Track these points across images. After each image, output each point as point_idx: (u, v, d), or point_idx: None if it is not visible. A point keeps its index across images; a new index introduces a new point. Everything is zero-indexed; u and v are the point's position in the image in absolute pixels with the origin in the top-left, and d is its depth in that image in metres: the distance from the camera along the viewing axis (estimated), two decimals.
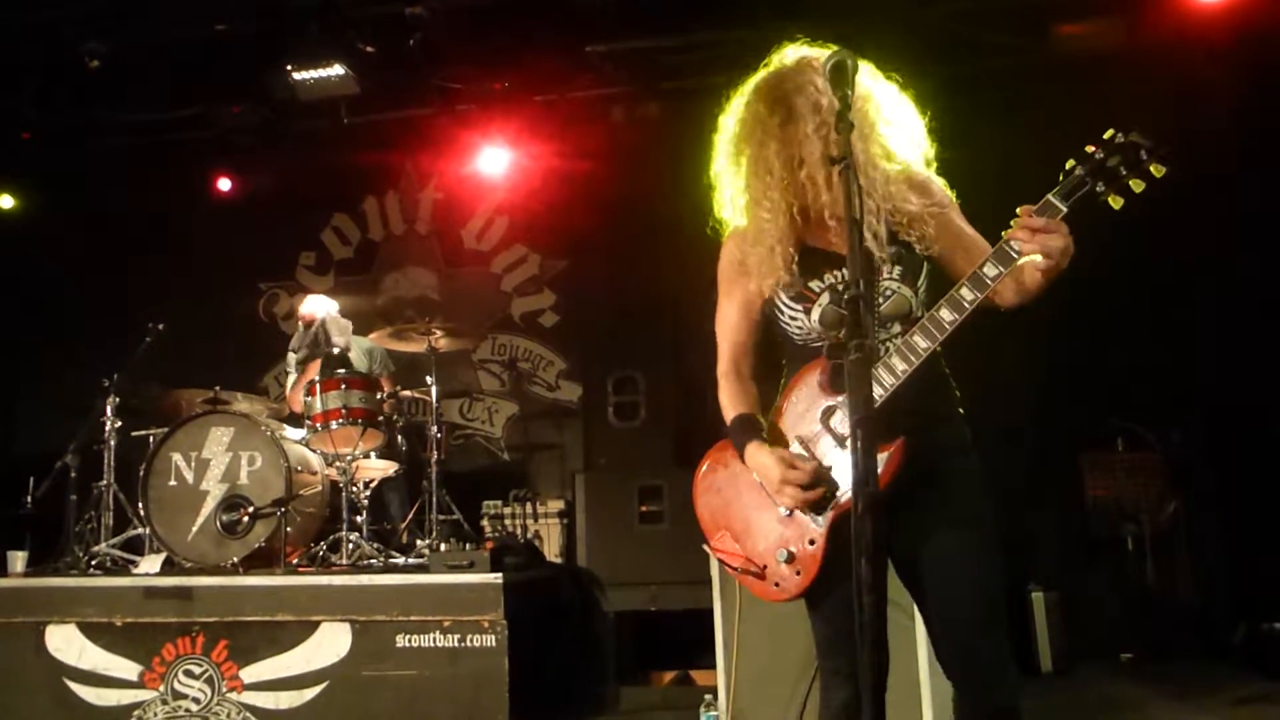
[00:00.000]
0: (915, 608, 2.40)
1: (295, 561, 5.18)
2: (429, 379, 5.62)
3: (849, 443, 2.04)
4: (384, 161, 7.93)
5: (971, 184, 2.46)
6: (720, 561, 2.37)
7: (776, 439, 2.27)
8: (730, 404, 2.34)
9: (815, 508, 2.19)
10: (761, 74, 2.36)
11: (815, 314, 2.27)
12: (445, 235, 7.90)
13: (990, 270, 2.07)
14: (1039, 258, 2.05)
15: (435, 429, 5.56)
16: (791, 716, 3.93)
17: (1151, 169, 2.01)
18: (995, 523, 2.21)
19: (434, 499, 5.46)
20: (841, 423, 2.19)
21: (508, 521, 6.55)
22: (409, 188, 8.02)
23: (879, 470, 1.99)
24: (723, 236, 2.44)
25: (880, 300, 2.22)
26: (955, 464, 2.24)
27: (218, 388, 5.64)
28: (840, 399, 2.19)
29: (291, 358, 5.95)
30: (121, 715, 4.70)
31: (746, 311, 2.37)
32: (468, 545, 5.23)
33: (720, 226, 2.45)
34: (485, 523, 6.51)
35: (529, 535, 6.42)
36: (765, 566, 2.25)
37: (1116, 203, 2.04)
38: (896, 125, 2.31)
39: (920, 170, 2.33)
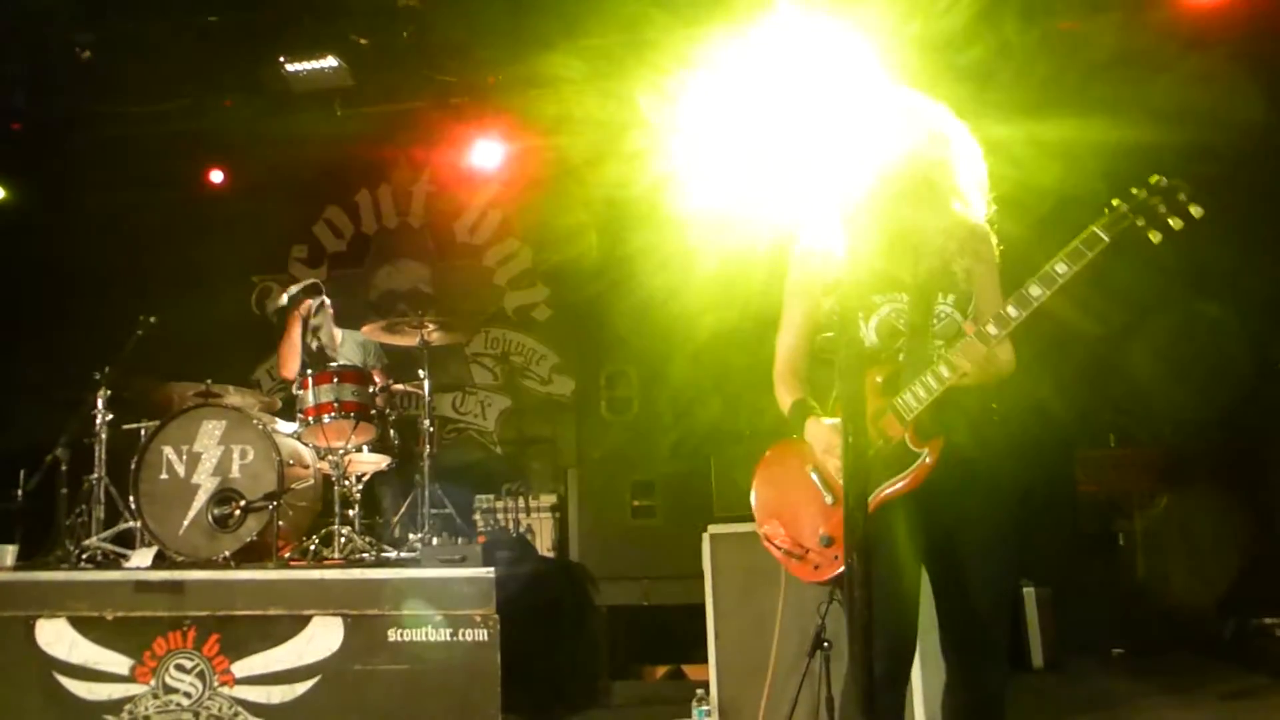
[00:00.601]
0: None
1: (287, 555, 5.17)
2: (421, 373, 5.61)
3: (901, 440, 2.41)
4: (377, 154, 7.89)
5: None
6: (767, 543, 2.64)
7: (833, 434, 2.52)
8: (787, 393, 2.64)
9: None
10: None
11: (873, 323, 2.54)
12: (438, 228, 7.89)
13: (1014, 311, 2.34)
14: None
15: (428, 423, 5.55)
16: (783, 712, 3.94)
17: (1191, 209, 2.27)
18: (1017, 524, 2.50)
19: (426, 493, 5.45)
20: (887, 424, 2.47)
21: (500, 516, 6.54)
22: (402, 180, 7.99)
23: (923, 461, 2.40)
24: (790, 252, 2.68)
25: (936, 322, 2.50)
26: (991, 464, 2.47)
27: (209, 381, 5.62)
28: (891, 401, 2.45)
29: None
30: (112, 710, 4.69)
31: (807, 320, 2.64)
32: (460, 539, 5.24)
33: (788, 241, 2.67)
34: (478, 517, 6.51)
35: (521, 529, 6.42)
36: (807, 550, 2.54)
37: (1156, 237, 2.30)
38: (969, 173, 2.55)
39: (981, 221, 2.57)
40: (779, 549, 2.59)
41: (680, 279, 5.75)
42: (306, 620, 4.65)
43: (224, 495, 5.20)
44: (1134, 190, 2.31)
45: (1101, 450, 6.38)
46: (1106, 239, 2.28)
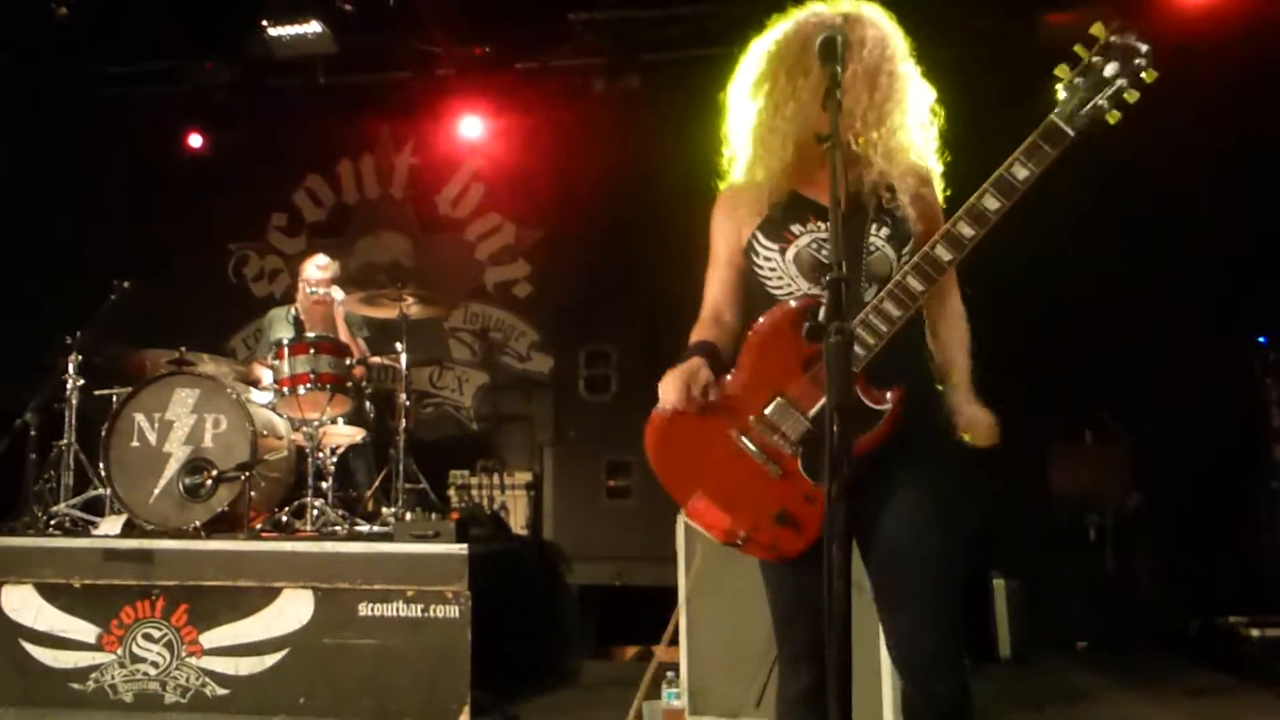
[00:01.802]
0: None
1: (259, 527, 5.13)
2: (399, 346, 5.56)
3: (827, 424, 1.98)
4: (360, 124, 7.80)
5: (950, 170, 2.42)
6: (699, 525, 2.20)
7: (757, 390, 2.15)
8: (695, 336, 2.27)
9: (811, 468, 2.10)
10: (808, 11, 2.26)
11: (790, 253, 2.20)
12: (420, 201, 7.80)
13: (967, 231, 2.02)
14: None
15: (404, 397, 5.51)
16: (752, 696, 3.94)
17: (1144, 76, 1.92)
18: (959, 508, 2.15)
19: (401, 467, 5.41)
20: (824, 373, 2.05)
21: (474, 492, 6.51)
22: (385, 151, 7.90)
23: (884, 419, 2.03)
24: (718, 193, 2.39)
25: (865, 257, 2.14)
26: (927, 440, 2.15)
27: (183, 348, 5.55)
28: (818, 350, 2.01)
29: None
30: (79, 677, 4.65)
31: (731, 260, 2.31)
32: (433, 515, 5.21)
33: (717, 187, 2.40)
34: (452, 493, 6.48)
35: (495, 507, 6.40)
36: (757, 529, 2.12)
37: (1114, 118, 1.94)
38: (914, 108, 2.24)
39: (925, 162, 2.27)
40: (720, 530, 2.15)
41: (663, 259, 5.72)
42: (276, 592, 4.63)
43: (196, 464, 5.14)
44: (1079, 51, 1.95)
45: (1076, 445, 6.42)
46: (1071, 133, 1.93)
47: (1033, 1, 6.15)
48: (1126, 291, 6.16)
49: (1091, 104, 1.91)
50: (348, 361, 5.40)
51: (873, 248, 2.17)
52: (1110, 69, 1.90)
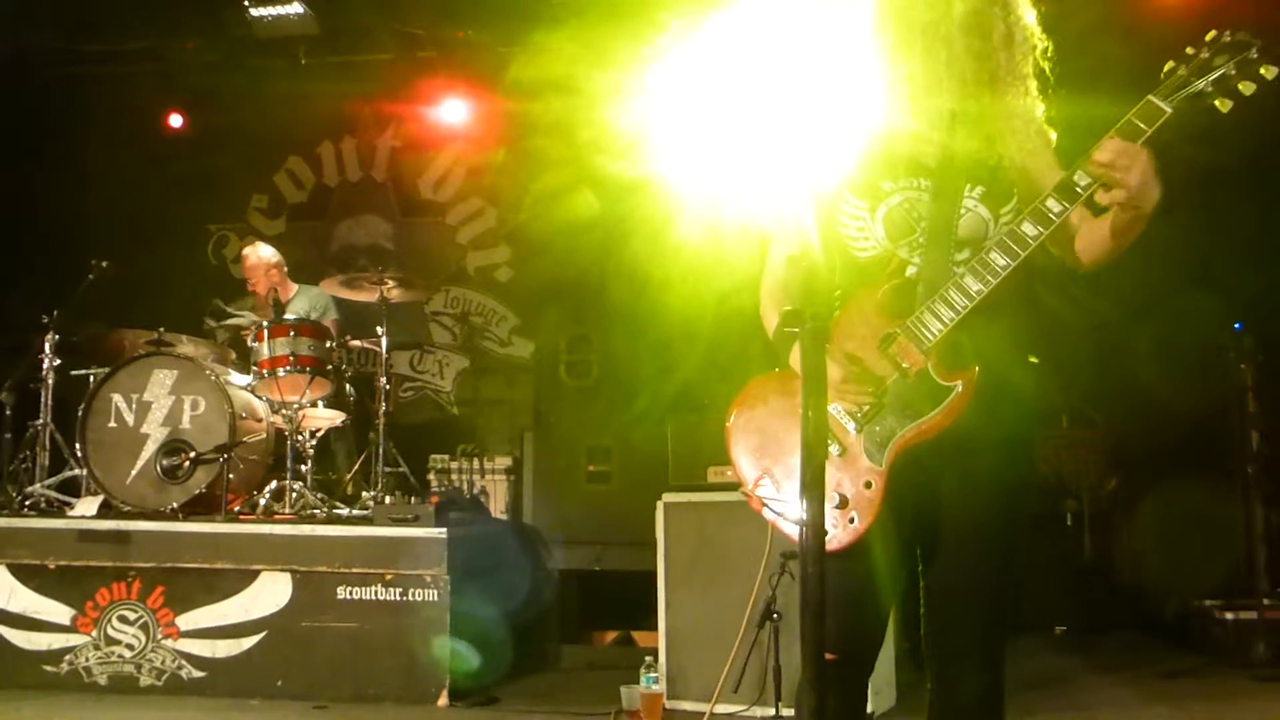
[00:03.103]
0: None
1: (237, 509, 5.11)
2: (379, 329, 5.54)
3: (923, 371, 1.94)
4: (342, 106, 7.74)
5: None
6: (758, 505, 2.09)
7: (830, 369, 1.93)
8: (774, 313, 2.10)
9: (872, 446, 1.99)
10: None
11: (880, 212, 2.04)
12: (402, 184, 7.77)
13: (1054, 206, 1.89)
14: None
15: (384, 380, 5.48)
16: (730, 680, 3.95)
17: (1262, 70, 1.84)
18: (1026, 497, 2.06)
19: (380, 451, 5.40)
20: (903, 351, 1.97)
21: (454, 476, 6.49)
22: (366, 134, 7.86)
23: (956, 394, 1.91)
24: None
25: (959, 218, 1.99)
26: (1013, 425, 2.00)
27: (162, 329, 5.51)
28: (900, 324, 1.98)
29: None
30: (52, 660, 4.63)
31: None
32: (413, 499, 5.19)
33: None
34: (432, 477, 6.46)
35: (475, 491, 6.39)
36: None
37: (1225, 106, 1.87)
38: (1026, 45, 2.08)
39: (1036, 110, 2.10)
40: (775, 513, 2.04)
41: (646, 245, 5.70)
42: (254, 575, 4.61)
43: (173, 446, 5.12)
44: (1190, 50, 1.87)
45: (1053, 431, 6.46)
46: (1168, 110, 1.84)
47: None
48: (1103, 277, 6.18)
49: (1192, 87, 1.87)
50: (328, 344, 5.38)
51: (965, 208, 2.01)
52: (1218, 59, 1.86)
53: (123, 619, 4.62)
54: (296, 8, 6.41)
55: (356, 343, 5.70)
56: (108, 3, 6.77)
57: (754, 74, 2.01)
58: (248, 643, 4.56)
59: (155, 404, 5.17)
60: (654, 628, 4.38)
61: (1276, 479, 5.73)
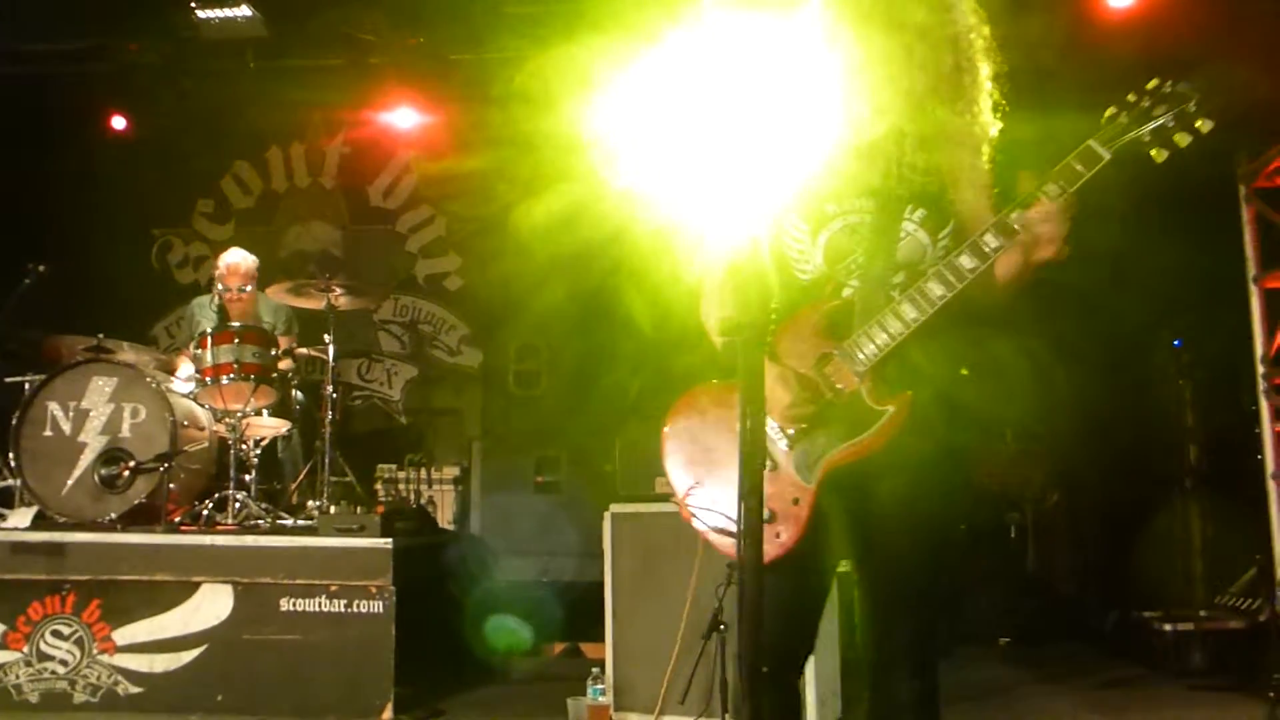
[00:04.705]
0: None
1: (178, 520, 5.01)
2: (326, 337, 5.47)
3: (855, 393, 1.98)
4: (291, 111, 7.66)
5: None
6: (690, 517, 2.13)
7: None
8: (719, 311, 2.10)
9: (803, 464, 2.02)
10: None
11: (822, 238, 2.07)
12: (351, 191, 7.71)
13: (992, 241, 1.94)
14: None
15: (331, 389, 5.42)
16: (677, 692, 3.94)
17: (1199, 124, 1.90)
18: (957, 508, 2.09)
19: (326, 460, 5.33)
20: (837, 372, 2.01)
21: (402, 486, 6.44)
22: (316, 139, 7.78)
23: (888, 418, 1.94)
24: None
25: (898, 241, 2.03)
26: (948, 440, 2.05)
27: (101, 335, 5.39)
28: (837, 346, 2.02)
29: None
30: None
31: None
32: (360, 509, 5.12)
33: None
34: (379, 486, 6.40)
35: (423, 501, 6.33)
36: None
37: (1160, 156, 1.93)
38: (972, 61, 2.11)
39: (975, 125, 2.11)
40: (705, 524, 2.07)
41: (596, 255, 5.71)
42: (195, 587, 4.51)
43: (112, 455, 5.00)
44: (1131, 97, 1.92)
45: (997, 445, 6.54)
46: (1107, 156, 1.89)
47: None
48: (1046, 295, 6.28)
49: (1130, 134, 1.92)
50: (273, 352, 5.29)
51: (905, 232, 2.05)
52: (1157, 110, 1.91)
53: (56, 634, 4.49)
54: (245, 10, 6.32)
55: (303, 351, 5.63)
56: (49, 1, 6.64)
57: (708, 86, 1.99)
58: (187, 657, 4.46)
59: (94, 412, 5.05)
60: (602, 639, 4.36)
61: (1213, 492, 5.85)
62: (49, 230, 7.09)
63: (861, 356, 1.99)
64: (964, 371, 2.10)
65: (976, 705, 4.81)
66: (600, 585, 4.31)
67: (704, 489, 2.10)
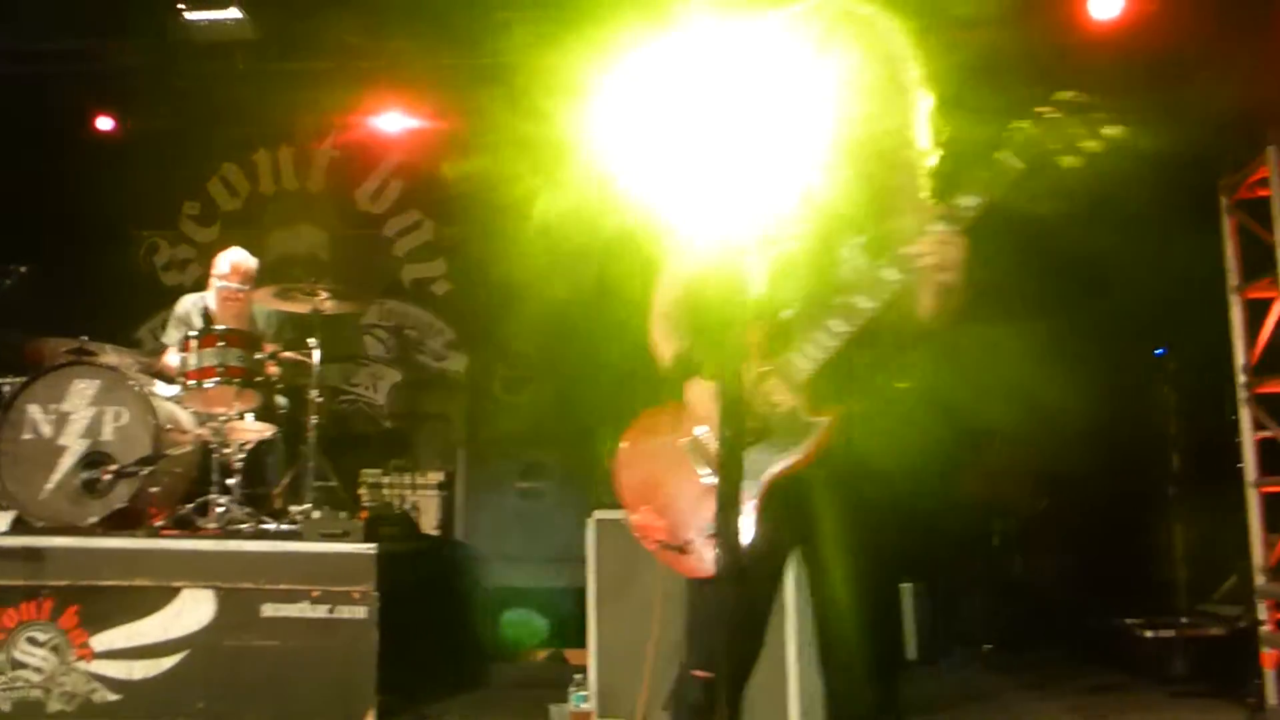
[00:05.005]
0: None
1: (159, 524, 4.98)
2: (311, 341, 5.45)
3: (792, 410, 2.06)
4: (279, 114, 7.62)
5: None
6: (640, 535, 2.25)
7: (711, 402, 2.09)
8: (667, 342, 2.25)
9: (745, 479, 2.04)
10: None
11: (764, 260, 2.10)
12: (339, 194, 7.68)
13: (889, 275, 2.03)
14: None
15: (315, 393, 5.40)
16: (659, 698, 3.94)
17: (1106, 130, 1.99)
18: (895, 535, 2.15)
19: (311, 465, 5.31)
20: (773, 389, 2.09)
21: (386, 491, 6.41)
22: (304, 143, 7.75)
23: (822, 430, 2.02)
24: None
25: (838, 267, 2.13)
26: (882, 451, 2.11)
27: (84, 337, 5.35)
28: (774, 364, 2.10)
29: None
30: None
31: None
32: (343, 513, 5.11)
33: None
34: (363, 491, 6.38)
35: (407, 506, 6.31)
36: (689, 541, 2.15)
37: (1069, 163, 2.02)
38: (906, 98, 2.18)
39: (911, 153, 2.18)
40: (655, 541, 2.19)
41: (583, 261, 5.70)
42: (175, 592, 4.48)
43: (93, 458, 4.96)
44: (1041, 109, 2.01)
45: (985, 453, 6.56)
46: (1019, 166, 2.00)
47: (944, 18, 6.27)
48: (1031, 304, 6.32)
49: (1042, 145, 2.00)
50: (258, 355, 5.27)
51: (843, 256, 2.15)
52: (1067, 120, 1.99)
53: (32, 641, 4.44)
54: (233, 12, 6.31)
55: (288, 354, 5.60)
56: (35, 2, 6.61)
57: (686, 99, 2.08)
58: (167, 663, 4.43)
59: (74, 415, 5.01)
60: (585, 645, 4.35)
61: (1196, 500, 5.89)
62: (33, 230, 7.04)
63: (796, 374, 2.07)
64: (901, 385, 2.18)
65: (960, 711, 4.83)
66: (583, 591, 4.31)
67: (655, 509, 2.20)
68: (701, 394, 2.14)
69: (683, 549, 2.16)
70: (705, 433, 2.16)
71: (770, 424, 2.08)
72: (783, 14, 2.18)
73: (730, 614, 1.91)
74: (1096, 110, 1.98)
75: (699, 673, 2.15)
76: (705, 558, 2.11)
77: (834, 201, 2.11)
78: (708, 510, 2.08)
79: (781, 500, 2.08)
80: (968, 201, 2.00)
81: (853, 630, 2.09)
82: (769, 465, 2.08)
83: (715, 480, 1.99)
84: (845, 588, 2.09)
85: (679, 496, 2.19)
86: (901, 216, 2.13)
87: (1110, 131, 1.97)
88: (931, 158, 2.19)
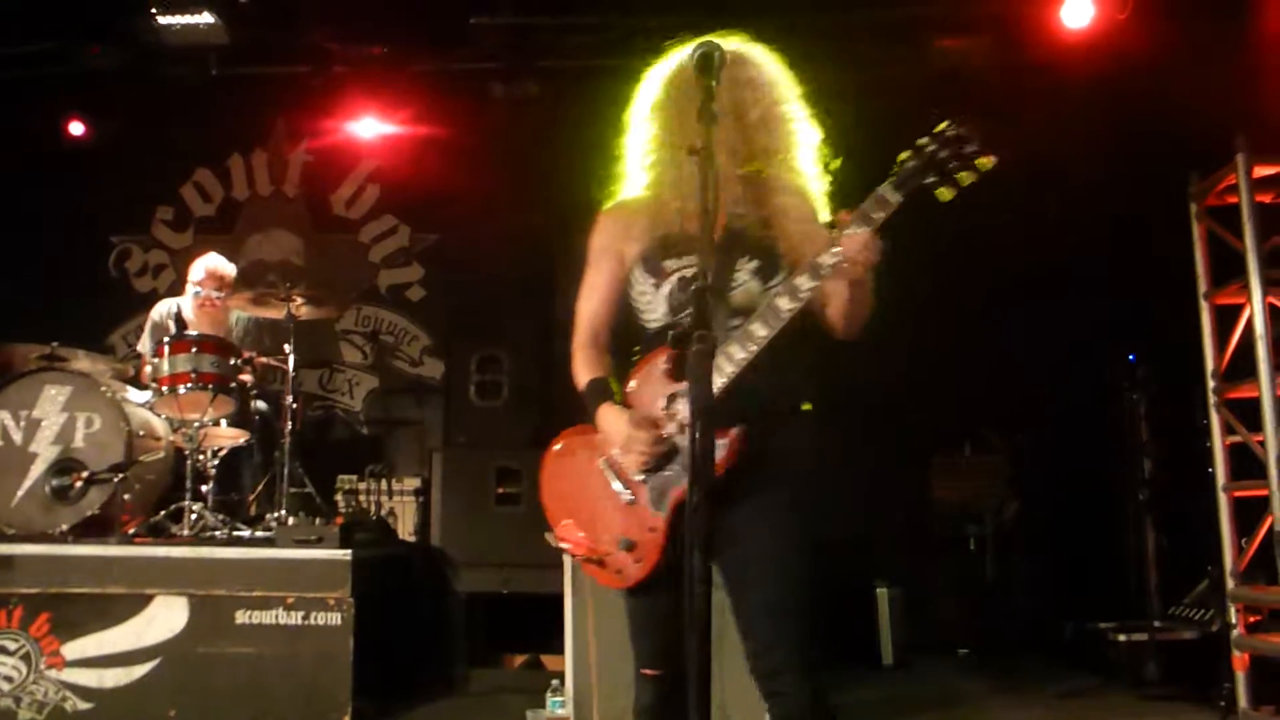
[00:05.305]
0: None
1: (131, 531, 4.93)
2: (287, 347, 5.42)
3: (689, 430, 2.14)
4: (253, 118, 7.61)
5: (848, 190, 2.47)
6: (563, 548, 2.38)
7: None
8: (585, 371, 2.38)
9: (655, 498, 2.23)
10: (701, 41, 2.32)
11: (665, 289, 2.31)
12: (314, 200, 7.64)
13: (804, 283, 2.11)
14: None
15: (291, 399, 5.37)
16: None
17: (978, 163, 2.05)
18: (812, 522, 2.25)
19: (286, 471, 5.27)
20: (682, 410, 2.20)
21: (362, 497, 6.38)
22: (278, 148, 7.71)
23: (721, 456, 2.07)
24: (601, 210, 2.47)
25: (732, 290, 2.24)
26: (785, 459, 2.25)
27: (55, 343, 5.29)
28: (682, 386, 2.16)
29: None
30: None
31: (612, 283, 2.40)
32: (318, 520, 5.07)
33: (606, 198, 2.48)
34: (339, 498, 6.34)
35: (383, 512, 6.28)
36: (608, 554, 2.27)
37: (947, 195, 2.08)
38: (801, 145, 2.36)
39: (799, 179, 2.36)
40: (576, 554, 2.33)
41: (556, 265, 5.70)
42: (148, 599, 4.44)
43: (65, 465, 4.91)
44: (921, 141, 2.09)
45: (956, 456, 6.61)
46: (896, 201, 2.07)
47: (923, 27, 6.34)
48: (1005, 309, 6.38)
49: (919, 178, 2.06)
50: (233, 361, 5.23)
51: (738, 281, 2.27)
52: (942, 154, 2.05)
53: (2, 649, 4.38)
54: (206, 17, 6.27)
55: (263, 360, 5.57)
56: (8, 3, 6.55)
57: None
58: (139, 671, 4.39)
59: (46, 421, 4.95)
60: (562, 651, 4.34)
61: (1167, 504, 5.94)
62: (4, 236, 6.98)
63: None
64: (806, 406, 2.32)
65: (934, 715, 4.86)
66: (560, 597, 4.30)
67: (574, 522, 2.33)
68: (610, 419, 2.27)
69: (602, 562, 2.28)
70: (618, 454, 2.28)
71: (679, 445, 2.19)
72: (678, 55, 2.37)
73: (660, 621, 2.19)
74: (971, 142, 2.04)
75: (647, 671, 2.28)
76: (622, 570, 2.25)
77: (725, 230, 2.24)
78: (622, 526, 2.25)
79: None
80: (851, 233, 2.06)
81: (777, 633, 2.18)
82: (675, 483, 2.20)
83: (629, 496, 2.25)
84: (770, 592, 2.19)
85: (598, 512, 2.31)
86: (791, 239, 2.28)
87: (984, 163, 2.04)
88: (818, 182, 2.36)
